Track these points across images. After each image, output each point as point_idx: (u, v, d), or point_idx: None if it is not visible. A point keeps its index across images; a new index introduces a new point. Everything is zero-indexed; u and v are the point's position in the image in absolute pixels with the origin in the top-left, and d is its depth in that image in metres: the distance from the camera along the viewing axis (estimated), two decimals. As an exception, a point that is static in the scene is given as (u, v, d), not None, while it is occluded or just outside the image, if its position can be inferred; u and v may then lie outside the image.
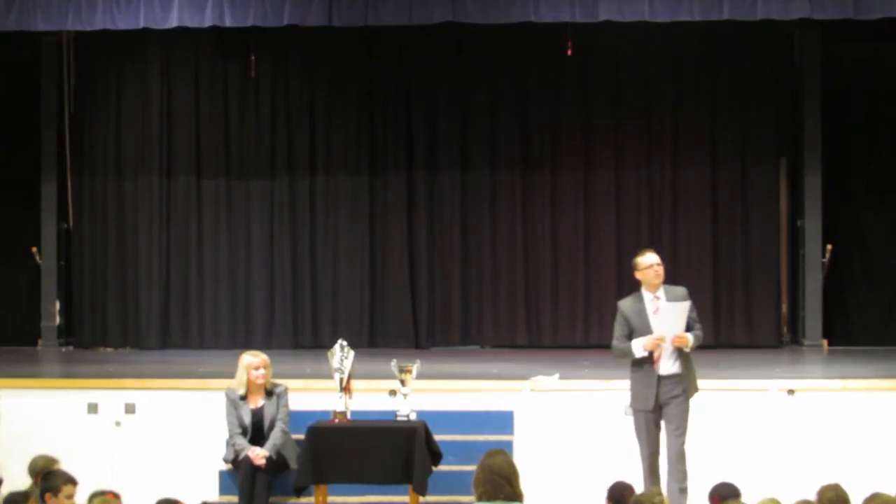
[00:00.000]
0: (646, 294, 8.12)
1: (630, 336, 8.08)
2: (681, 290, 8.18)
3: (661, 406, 8.10)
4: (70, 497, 6.55)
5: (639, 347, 8.00)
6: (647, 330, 8.03)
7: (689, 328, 8.05)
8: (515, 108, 12.89)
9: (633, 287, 12.35)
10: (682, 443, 8.13)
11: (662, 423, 8.15)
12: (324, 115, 12.96)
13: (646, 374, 8.06)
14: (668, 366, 8.05)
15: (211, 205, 12.97)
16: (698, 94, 12.80)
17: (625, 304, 8.20)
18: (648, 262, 8.12)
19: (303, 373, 10.02)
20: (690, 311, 8.07)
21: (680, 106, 12.81)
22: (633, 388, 8.22)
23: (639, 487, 7.84)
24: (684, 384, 8.09)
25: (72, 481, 6.62)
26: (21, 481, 7.20)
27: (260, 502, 8.38)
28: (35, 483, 7.06)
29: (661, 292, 8.13)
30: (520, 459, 6.70)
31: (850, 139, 12.75)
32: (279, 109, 12.97)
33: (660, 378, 8.04)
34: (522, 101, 12.88)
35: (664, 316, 8.00)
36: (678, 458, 8.12)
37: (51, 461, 7.23)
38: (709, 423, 8.76)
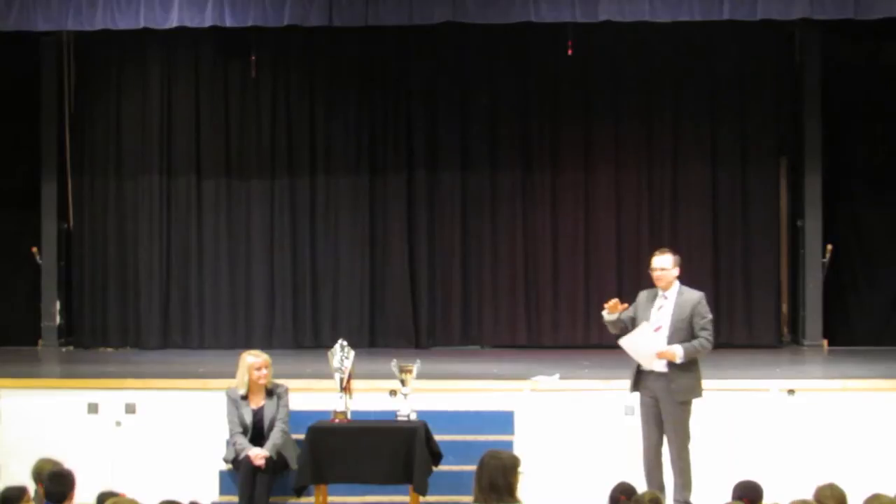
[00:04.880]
0: (659, 290, 8.31)
1: (633, 319, 8.30)
2: (695, 295, 8.28)
3: (657, 400, 8.18)
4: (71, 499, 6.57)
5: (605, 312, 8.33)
6: (645, 319, 8.21)
7: (693, 335, 8.17)
8: (515, 108, 12.89)
9: (633, 287, 12.49)
10: (683, 450, 8.19)
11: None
12: (324, 115, 12.96)
13: (633, 361, 8.30)
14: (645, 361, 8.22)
15: (211, 205, 12.97)
16: (698, 94, 12.80)
17: (641, 294, 8.44)
18: (652, 266, 8.35)
19: (303, 373, 10.02)
20: (701, 317, 8.20)
21: (680, 106, 12.81)
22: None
23: (643, 483, 7.87)
24: (675, 384, 8.12)
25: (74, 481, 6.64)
26: (21, 481, 7.18)
27: (260, 502, 8.38)
28: (39, 487, 7.04)
29: (669, 293, 8.25)
30: (521, 461, 6.69)
31: (850, 139, 12.75)
32: (279, 109, 12.96)
33: (644, 370, 8.22)
34: (522, 101, 12.88)
35: (633, 338, 8.16)
36: (679, 470, 8.20)
37: (55, 465, 7.20)
38: (709, 424, 8.76)
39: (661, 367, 8.15)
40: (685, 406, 8.20)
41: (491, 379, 9.93)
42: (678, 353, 8.08)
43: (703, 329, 8.19)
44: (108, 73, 13.05)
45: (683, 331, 8.15)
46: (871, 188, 12.81)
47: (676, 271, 8.33)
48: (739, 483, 6.81)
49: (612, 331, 8.40)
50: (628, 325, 8.30)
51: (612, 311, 8.25)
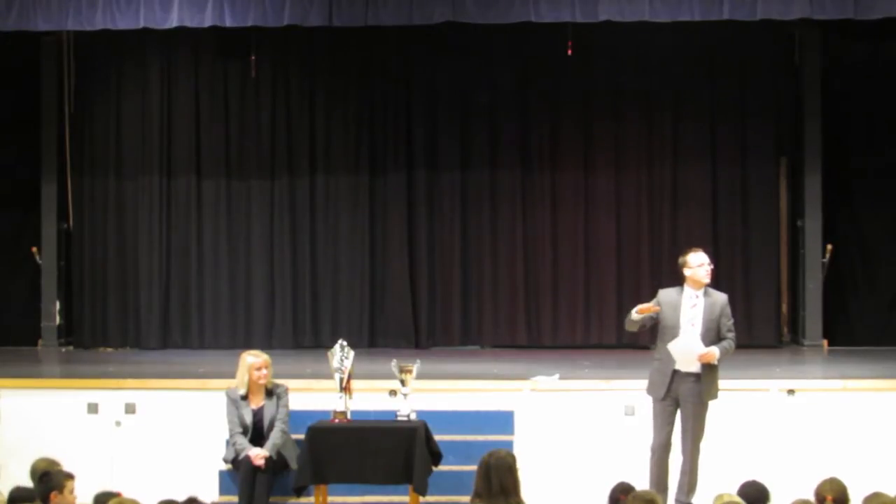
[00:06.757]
0: (687, 290, 8.25)
1: (655, 319, 8.23)
2: (722, 296, 8.31)
3: (677, 401, 8.16)
4: (72, 491, 6.59)
5: (633, 311, 8.20)
6: (675, 323, 8.16)
7: (720, 336, 8.20)
8: (515, 108, 12.88)
9: (633, 287, 12.51)
10: (696, 451, 8.21)
11: (679, 423, 8.23)
12: (324, 116, 12.96)
13: (664, 365, 8.21)
14: (686, 363, 8.16)
15: (211, 205, 12.96)
16: (698, 94, 12.79)
17: (664, 293, 8.34)
18: (699, 261, 8.26)
19: (303, 373, 10.02)
20: (728, 318, 8.26)
21: (680, 106, 12.80)
22: (650, 376, 8.34)
23: (643, 483, 7.86)
24: (703, 385, 8.15)
25: (70, 476, 6.65)
26: (21, 482, 7.20)
27: (260, 502, 8.38)
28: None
29: (700, 292, 8.23)
30: (520, 459, 6.71)
31: (850, 139, 12.75)
32: (279, 109, 12.96)
33: (676, 372, 8.15)
34: (522, 102, 12.88)
35: (683, 341, 8.10)
36: (688, 471, 8.21)
37: (52, 464, 7.23)
38: (709, 424, 8.74)
39: (695, 368, 8.15)
40: (706, 406, 8.23)
41: (491, 379, 9.93)
42: (716, 354, 8.12)
43: (730, 330, 8.27)
44: (108, 73, 13.05)
45: (713, 331, 8.19)
46: (871, 188, 12.80)
47: None
48: (745, 483, 6.80)
49: (632, 329, 8.38)
50: (646, 324, 8.30)
51: (642, 312, 8.18)
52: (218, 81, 12.97)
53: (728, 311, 8.30)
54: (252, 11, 10.81)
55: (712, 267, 8.34)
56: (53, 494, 6.50)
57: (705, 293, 8.25)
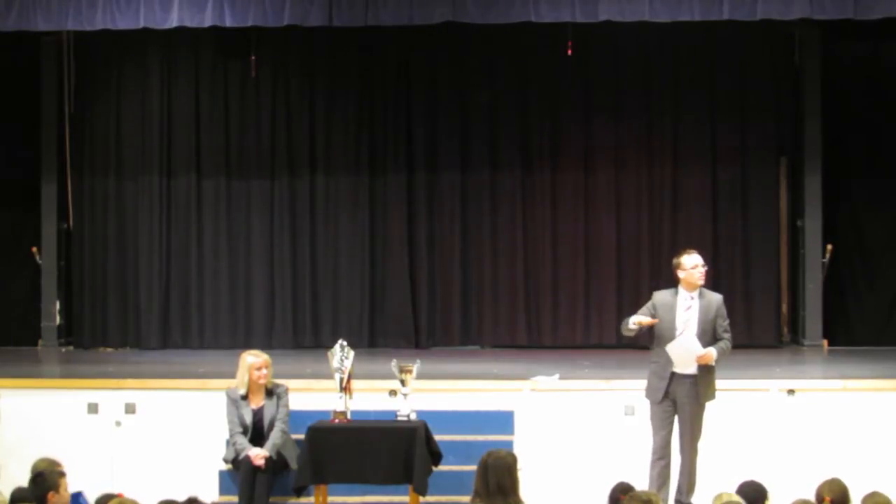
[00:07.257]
0: (682, 291, 8.24)
1: (652, 316, 8.22)
2: (717, 297, 8.30)
3: (675, 402, 8.17)
4: (66, 489, 6.60)
5: (631, 322, 8.16)
6: (671, 325, 8.15)
7: (716, 336, 8.19)
8: (515, 108, 12.89)
9: (633, 287, 12.53)
10: (695, 452, 8.22)
11: (677, 425, 8.22)
12: (324, 115, 12.96)
13: (661, 368, 8.21)
14: (684, 365, 8.16)
15: (211, 205, 12.96)
16: (698, 95, 12.79)
17: (659, 295, 8.34)
18: (693, 263, 8.25)
19: (303, 373, 10.02)
20: (724, 318, 8.26)
21: (680, 106, 12.81)
22: (648, 379, 8.34)
23: (643, 484, 7.86)
24: (700, 386, 8.16)
25: (62, 474, 6.66)
26: (21, 482, 7.20)
27: (260, 502, 8.39)
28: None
29: (695, 293, 8.22)
30: (520, 459, 6.71)
31: (850, 139, 12.75)
32: (279, 109, 12.96)
33: (673, 374, 8.16)
34: (522, 101, 12.88)
35: (681, 342, 8.10)
36: (687, 472, 8.22)
37: (53, 464, 7.23)
38: (709, 424, 8.75)
39: (692, 369, 8.15)
40: (704, 407, 8.24)
41: (491, 379, 9.93)
42: (714, 355, 8.13)
43: (726, 331, 8.27)
44: (108, 73, 13.05)
45: (709, 332, 8.19)
46: (871, 188, 12.81)
47: None
48: (743, 483, 6.80)
49: (628, 335, 8.38)
50: (643, 329, 8.29)
51: (640, 325, 8.18)
52: (218, 81, 12.97)
53: (723, 311, 8.29)
54: (252, 11, 10.81)
55: (706, 268, 8.34)
56: (51, 495, 6.50)
57: (700, 294, 8.25)
